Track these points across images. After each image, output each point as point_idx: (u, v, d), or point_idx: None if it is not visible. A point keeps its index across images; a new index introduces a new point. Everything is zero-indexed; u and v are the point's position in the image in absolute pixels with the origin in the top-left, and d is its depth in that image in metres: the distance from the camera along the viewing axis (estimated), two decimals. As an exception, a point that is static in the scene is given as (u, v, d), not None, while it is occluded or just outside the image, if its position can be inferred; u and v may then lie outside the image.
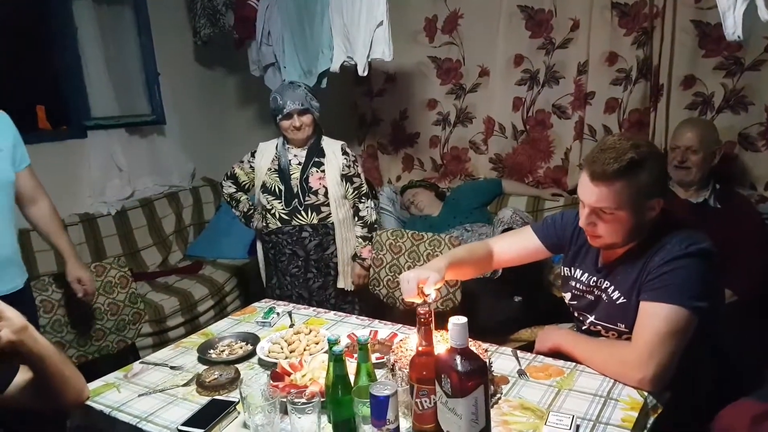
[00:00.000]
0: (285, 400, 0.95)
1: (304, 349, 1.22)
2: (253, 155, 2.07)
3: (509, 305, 2.03)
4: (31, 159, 1.56)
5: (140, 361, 1.30)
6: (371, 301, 2.14)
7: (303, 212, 1.98)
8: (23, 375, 1.01)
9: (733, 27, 1.51)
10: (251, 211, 2.08)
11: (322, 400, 0.96)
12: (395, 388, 0.87)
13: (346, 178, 2.01)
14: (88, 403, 1.10)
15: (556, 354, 1.18)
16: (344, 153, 2.03)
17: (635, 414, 0.96)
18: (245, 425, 0.99)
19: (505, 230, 2.02)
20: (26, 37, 2.67)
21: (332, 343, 0.95)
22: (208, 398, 1.08)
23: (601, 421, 0.94)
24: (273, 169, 2.00)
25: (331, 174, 1.98)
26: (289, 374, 1.08)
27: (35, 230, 1.62)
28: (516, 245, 1.36)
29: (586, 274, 1.22)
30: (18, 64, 2.65)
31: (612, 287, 1.15)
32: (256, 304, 1.64)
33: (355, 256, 2.05)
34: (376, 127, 3.09)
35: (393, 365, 1.00)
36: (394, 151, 3.08)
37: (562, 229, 1.29)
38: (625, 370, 1.04)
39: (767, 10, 1.39)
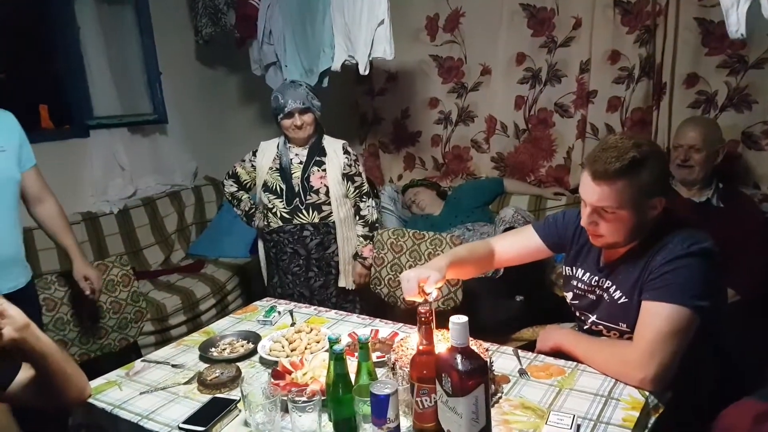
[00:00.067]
0: (286, 398, 0.95)
1: (305, 348, 1.22)
2: (254, 154, 2.07)
3: (511, 305, 2.02)
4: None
5: (142, 359, 1.30)
6: (372, 300, 2.14)
7: (304, 211, 1.98)
8: (25, 373, 1.01)
9: (736, 24, 1.50)
10: (253, 210, 2.08)
11: (322, 398, 0.96)
12: (396, 387, 0.87)
13: (348, 177, 2.01)
14: (90, 400, 1.10)
15: (558, 353, 1.18)
16: (345, 152, 2.03)
17: (636, 414, 0.95)
18: (246, 423, 1.00)
19: (506, 229, 2.01)
20: (29, 37, 2.67)
21: (333, 341, 0.95)
22: (210, 396, 1.09)
23: (602, 421, 0.94)
24: (274, 168, 2.00)
25: (333, 173, 1.98)
26: (290, 373, 1.08)
27: (42, 229, 1.63)
28: (517, 244, 1.36)
29: (588, 274, 1.22)
30: (21, 64, 2.66)
31: (614, 287, 1.15)
32: (257, 303, 1.64)
33: (356, 255, 2.05)
34: (377, 126, 3.09)
35: (394, 364, 1.00)
36: (396, 150, 3.08)
37: (563, 229, 1.29)
38: (627, 369, 1.04)
39: (771, 7, 1.38)
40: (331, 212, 1.99)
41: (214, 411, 1.01)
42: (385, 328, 1.35)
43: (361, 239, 2.04)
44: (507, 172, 2.74)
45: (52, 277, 1.74)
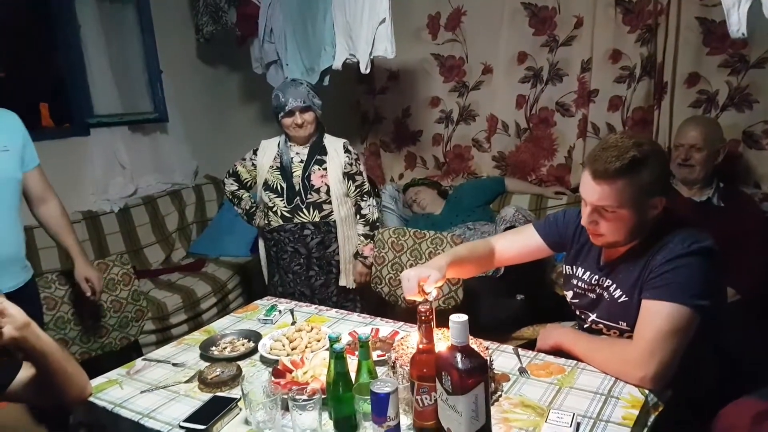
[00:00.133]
0: (286, 396, 0.95)
1: (306, 347, 1.23)
2: (255, 153, 2.07)
3: (511, 304, 2.03)
4: (35, 156, 1.57)
5: (143, 357, 1.30)
6: (373, 299, 2.14)
7: (305, 210, 1.98)
8: (26, 371, 1.01)
9: (737, 24, 1.50)
10: (253, 209, 2.09)
11: (323, 396, 0.96)
12: (396, 386, 0.87)
13: (348, 175, 2.01)
14: (91, 399, 1.11)
15: (558, 352, 1.18)
16: (346, 151, 2.03)
17: (636, 412, 0.95)
18: (247, 422, 1.00)
19: (507, 228, 2.01)
20: (29, 35, 2.67)
21: (333, 340, 0.95)
22: (210, 395, 1.09)
23: (602, 419, 0.94)
24: (275, 167, 2.00)
25: (333, 172, 1.98)
26: (290, 371, 1.08)
27: (44, 229, 1.63)
28: (518, 243, 1.36)
29: (588, 273, 1.22)
30: (21, 62, 2.66)
31: (614, 285, 1.15)
32: (258, 302, 1.64)
33: (356, 254, 2.05)
34: (378, 125, 3.09)
35: (394, 363, 1.00)
36: (397, 149, 3.08)
37: (564, 228, 1.29)
38: (627, 368, 1.04)
39: (772, 6, 1.38)
40: (332, 211, 2.00)
41: (214, 409, 1.01)
42: (385, 327, 1.35)
43: (362, 238, 2.04)
44: (508, 171, 2.74)
45: (53, 275, 1.74)
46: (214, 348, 1.29)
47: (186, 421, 1.00)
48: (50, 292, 1.71)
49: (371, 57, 2.27)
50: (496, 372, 1.07)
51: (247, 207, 2.09)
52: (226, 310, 2.49)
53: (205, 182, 3.13)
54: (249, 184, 2.11)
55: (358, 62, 2.31)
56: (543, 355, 1.19)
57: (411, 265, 1.92)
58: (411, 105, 2.94)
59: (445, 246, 1.87)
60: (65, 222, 1.62)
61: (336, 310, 1.56)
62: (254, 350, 1.27)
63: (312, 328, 1.31)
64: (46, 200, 1.58)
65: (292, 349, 1.22)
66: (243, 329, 1.39)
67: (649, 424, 0.98)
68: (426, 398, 0.89)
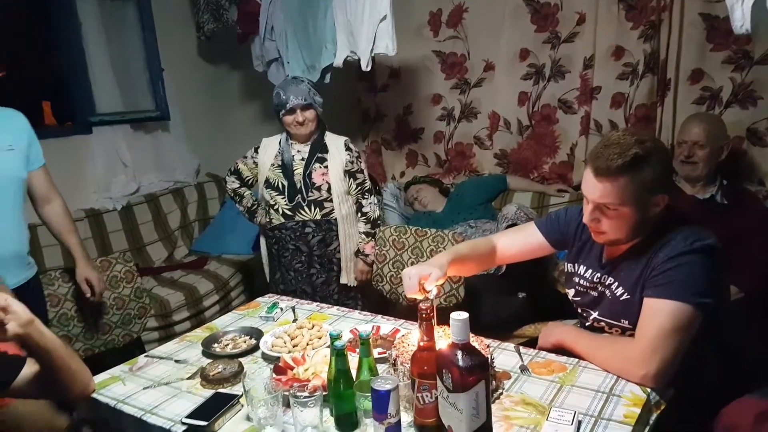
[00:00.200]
0: (288, 393, 0.95)
1: (307, 344, 1.23)
2: (256, 151, 2.07)
3: (513, 302, 2.02)
4: (37, 155, 1.58)
5: (145, 354, 1.31)
6: (374, 296, 2.14)
7: (306, 208, 1.98)
8: (30, 368, 1.02)
9: (741, 20, 1.49)
10: (255, 207, 2.09)
11: (324, 393, 0.96)
12: (396, 383, 0.87)
13: (350, 173, 2.01)
14: (94, 395, 1.11)
15: (559, 350, 1.18)
16: (347, 149, 2.03)
17: (638, 410, 0.95)
18: (248, 418, 1.00)
19: (509, 226, 2.01)
20: (31, 33, 2.68)
21: (334, 337, 0.95)
22: (212, 391, 1.10)
23: (603, 417, 0.94)
24: (276, 165, 2.00)
25: (335, 170, 1.98)
26: (291, 368, 1.08)
27: (47, 229, 1.64)
28: (519, 241, 1.35)
29: (590, 271, 1.21)
30: (23, 61, 2.67)
31: (616, 283, 1.14)
32: (260, 299, 1.64)
33: (358, 252, 2.05)
34: (379, 123, 3.08)
35: (395, 360, 1.01)
36: (398, 147, 3.07)
37: (566, 225, 1.28)
38: (629, 366, 1.04)
39: (776, 2, 1.37)
40: (333, 209, 2.00)
41: (216, 406, 1.02)
42: (386, 325, 1.35)
43: (363, 236, 2.04)
44: (510, 169, 2.73)
45: (57, 273, 1.75)
46: (216, 345, 1.30)
47: (188, 417, 1.00)
48: (54, 289, 1.72)
49: (372, 54, 2.26)
50: (497, 370, 1.07)
51: (249, 205, 2.09)
52: (228, 308, 2.49)
53: (206, 180, 3.14)
54: (250, 181, 2.11)
55: (359, 60, 2.31)
56: (544, 353, 1.18)
57: (412, 263, 1.92)
58: (412, 102, 2.93)
59: (446, 244, 1.87)
60: (68, 222, 1.63)
61: (337, 307, 1.57)
62: (256, 347, 1.27)
63: (313, 326, 1.31)
64: (50, 200, 1.59)
65: (294, 347, 1.22)
66: (245, 326, 1.39)
67: (650, 422, 0.98)
68: (427, 396, 0.89)
